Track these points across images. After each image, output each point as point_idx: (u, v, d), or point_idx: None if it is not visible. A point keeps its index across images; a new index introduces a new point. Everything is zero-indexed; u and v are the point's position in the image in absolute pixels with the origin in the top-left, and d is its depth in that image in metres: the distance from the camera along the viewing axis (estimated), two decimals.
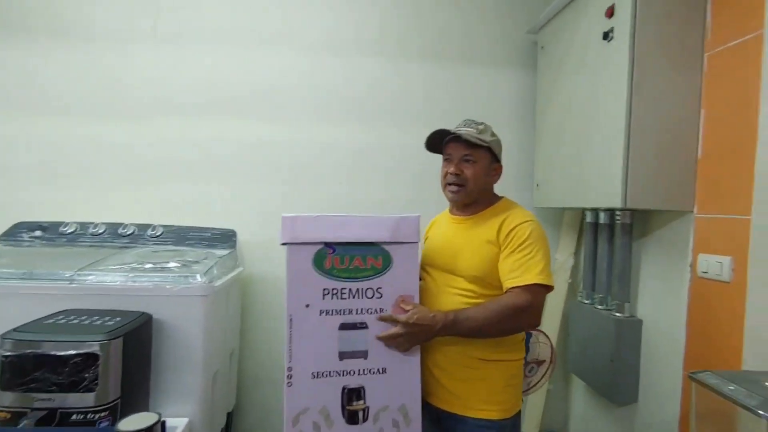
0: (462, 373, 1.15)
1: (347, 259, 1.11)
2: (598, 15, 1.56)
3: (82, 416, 1.05)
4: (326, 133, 2.06)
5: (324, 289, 1.09)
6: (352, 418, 1.09)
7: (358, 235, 1.11)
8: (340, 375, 1.09)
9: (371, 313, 1.11)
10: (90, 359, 1.06)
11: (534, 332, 1.80)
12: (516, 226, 1.14)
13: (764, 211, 1.21)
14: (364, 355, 1.10)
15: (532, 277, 1.07)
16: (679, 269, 1.50)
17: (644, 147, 1.44)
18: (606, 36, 1.51)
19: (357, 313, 1.11)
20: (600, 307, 1.79)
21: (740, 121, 1.29)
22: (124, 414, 1.12)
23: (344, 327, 1.10)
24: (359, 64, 2.08)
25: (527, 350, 1.77)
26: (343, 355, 1.09)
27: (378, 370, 1.11)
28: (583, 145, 1.67)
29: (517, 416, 1.20)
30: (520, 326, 1.13)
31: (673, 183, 1.46)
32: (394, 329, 1.09)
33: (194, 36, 1.99)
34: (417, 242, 1.16)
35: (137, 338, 1.21)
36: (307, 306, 1.08)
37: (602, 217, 1.78)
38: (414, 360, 1.13)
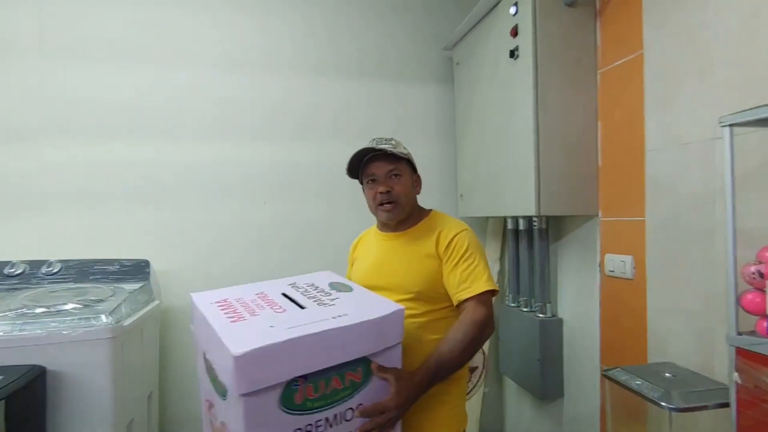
0: (423, 403, 1.07)
1: (322, 385, 0.86)
2: (504, 34, 1.65)
3: None
4: (237, 152, 1.97)
5: (296, 430, 0.84)
6: None
7: (341, 356, 0.87)
8: None
9: None
10: None
11: None
12: (453, 237, 1.15)
13: (655, 213, 1.34)
14: None
15: (481, 286, 1.09)
16: (591, 269, 1.61)
17: (552, 158, 1.53)
18: (512, 54, 1.60)
19: None
20: (525, 309, 1.88)
21: (630, 132, 1.43)
22: None
23: None
24: (269, 80, 2.01)
25: None
26: None
27: None
28: (499, 157, 1.75)
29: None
30: (485, 338, 1.11)
31: (579, 190, 1.57)
32: (381, 418, 0.92)
33: (88, 50, 1.82)
34: (401, 342, 0.98)
35: (26, 398, 1.05)
36: None
37: (521, 224, 1.88)
38: None
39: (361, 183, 1.26)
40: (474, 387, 1.84)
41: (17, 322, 1.21)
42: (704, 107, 1.18)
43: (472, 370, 1.82)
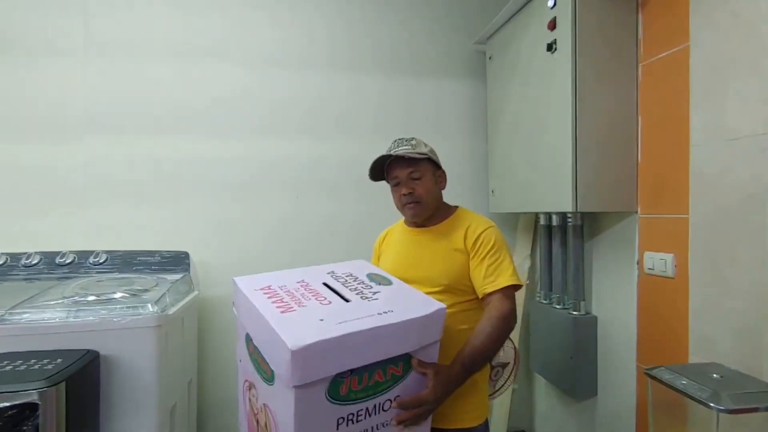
0: None
1: (366, 377, 0.89)
2: (541, 27, 1.63)
3: None
4: (277, 148, 2.02)
5: (339, 419, 0.88)
6: None
7: (387, 352, 0.90)
8: None
9: (387, 425, 0.95)
10: (28, 410, 0.96)
11: None
12: (482, 233, 1.20)
13: (699, 210, 1.30)
14: None
15: (505, 280, 1.14)
16: (628, 267, 1.58)
17: (590, 153, 1.51)
18: (550, 47, 1.58)
19: (374, 431, 0.94)
20: (557, 306, 1.86)
21: (674, 126, 1.39)
22: None
23: None
24: (308, 77, 2.05)
25: None
26: None
27: None
28: (534, 153, 1.74)
29: (487, 420, 1.23)
30: (510, 330, 1.14)
31: (617, 186, 1.54)
32: (419, 410, 0.96)
33: (129, 49, 1.89)
34: (439, 340, 1.01)
35: (83, 380, 1.11)
36: None
37: (555, 220, 1.85)
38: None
39: (389, 184, 1.32)
40: (505, 383, 1.83)
41: (72, 309, 1.28)
42: (755, 101, 1.14)
43: (504, 366, 1.81)
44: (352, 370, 0.87)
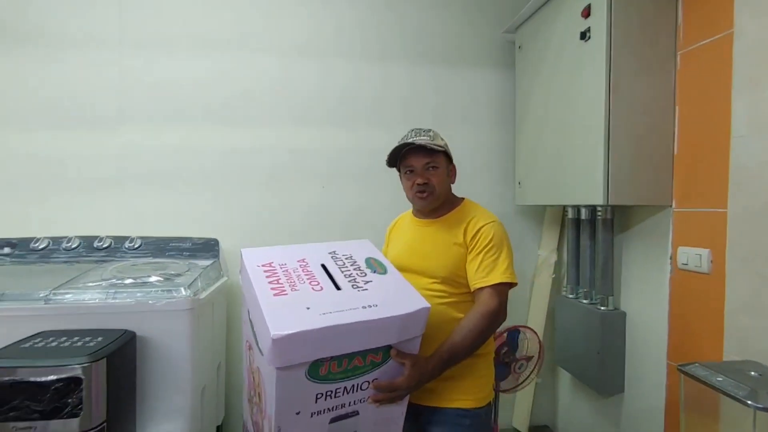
0: (451, 372, 1.15)
1: (345, 362, 0.95)
2: (574, 15, 1.59)
3: None
4: (305, 138, 2.04)
5: (317, 394, 0.95)
6: None
7: (366, 344, 0.95)
8: None
9: (363, 401, 1.02)
10: (73, 383, 1.01)
11: (521, 329, 1.83)
12: (480, 228, 1.20)
13: (739, 204, 1.26)
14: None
15: (497, 277, 1.15)
16: (660, 262, 1.54)
17: (623, 144, 1.47)
18: (583, 36, 1.54)
19: (349, 405, 1.01)
20: (585, 301, 1.83)
21: (714, 117, 1.34)
22: None
23: (335, 419, 1.01)
24: (336, 66, 2.05)
25: (516, 347, 1.80)
26: None
27: None
28: (563, 144, 1.70)
29: (489, 406, 1.25)
30: (496, 327, 1.17)
31: (651, 179, 1.50)
32: (392, 394, 1.03)
33: (161, 40, 1.93)
34: (421, 335, 1.04)
35: (121, 358, 1.16)
36: (298, 413, 0.96)
37: (583, 213, 1.81)
38: (399, 419, 1.11)
39: (399, 171, 1.33)
40: (529, 376, 1.82)
41: (110, 291, 1.33)
42: None
43: (528, 359, 1.80)
44: (331, 356, 0.92)
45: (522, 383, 1.81)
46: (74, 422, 1.01)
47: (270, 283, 1.00)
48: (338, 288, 1.01)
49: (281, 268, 1.07)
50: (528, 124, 1.99)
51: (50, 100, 1.88)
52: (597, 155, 1.48)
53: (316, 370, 0.92)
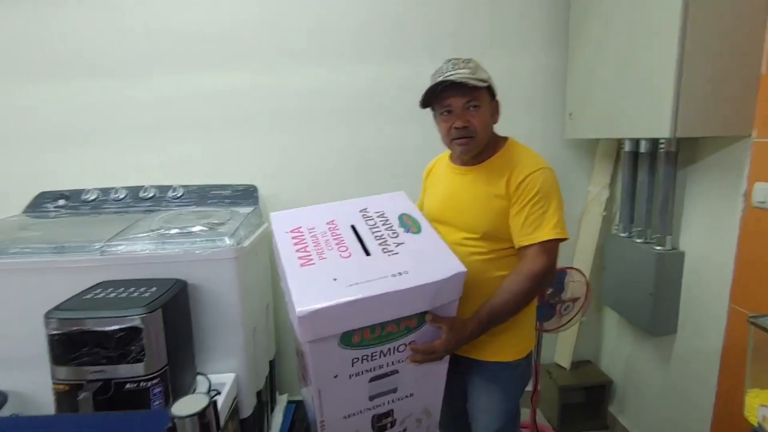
0: None
1: (378, 329, 0.93)
2: None
3: (135, 384, 1.08)
4: (332, 77, 1.93)
5: (353, 359, 0.95)
6: (380, 430, 1.12)
7: (395, 313, 0.92)
8: (370, 410, 1.07)
9: (402, 362, 1.01)
10: (133, 332, 1.07)
11: (568, 270, 1.77)
12: (525, 178, 1.06)
13: None
14: (393, 390, 1.06)
15: (545, 233, 1.04)
16: (731, 199, 1.39)
17: (699, 67, 1.27)
18: None
19: (387, 366, 1.01)
20: (639, 240, 1.72)
21: None
22: (175, 377, 1.17)
23: (375, 379, 1.01)
24: None
25: (562, 289, 1.76)
26: (373, 397, 1.05)
27: (406, 395, 1.09)
28: (625, 69, 1.50)
29: (529, 355, 1.23)
30: (539, 289, 1.10)
31: (730, 106, 1.31)
32: (430, 356, 1.01)
33: None
34: (458, 298, 1.00)
35: (175, 306, 1.22)
36: (336, 377, 0.96)
37: (643, 146, 1.65)
38: (442, 373, 1.10)
39: (434, 111, 1.15)
40: (573, 317, 1.79)
41: (158, 241, 1.37)
42: None
43: (574, 300, 1.76)
44: (362, 326, 0.90)
45: (566, 324, 1.79)
46: (140, 366, 1.08)
47: (297, 251, 0.98)
48: (368, 253, 0.97)
49: (309, 233, 1.04)
50: (583, 45, 1.77)
51: (91, 49, 1.86)
52: (666, 79, 1.30)
53: (349, 338, 0.91)
